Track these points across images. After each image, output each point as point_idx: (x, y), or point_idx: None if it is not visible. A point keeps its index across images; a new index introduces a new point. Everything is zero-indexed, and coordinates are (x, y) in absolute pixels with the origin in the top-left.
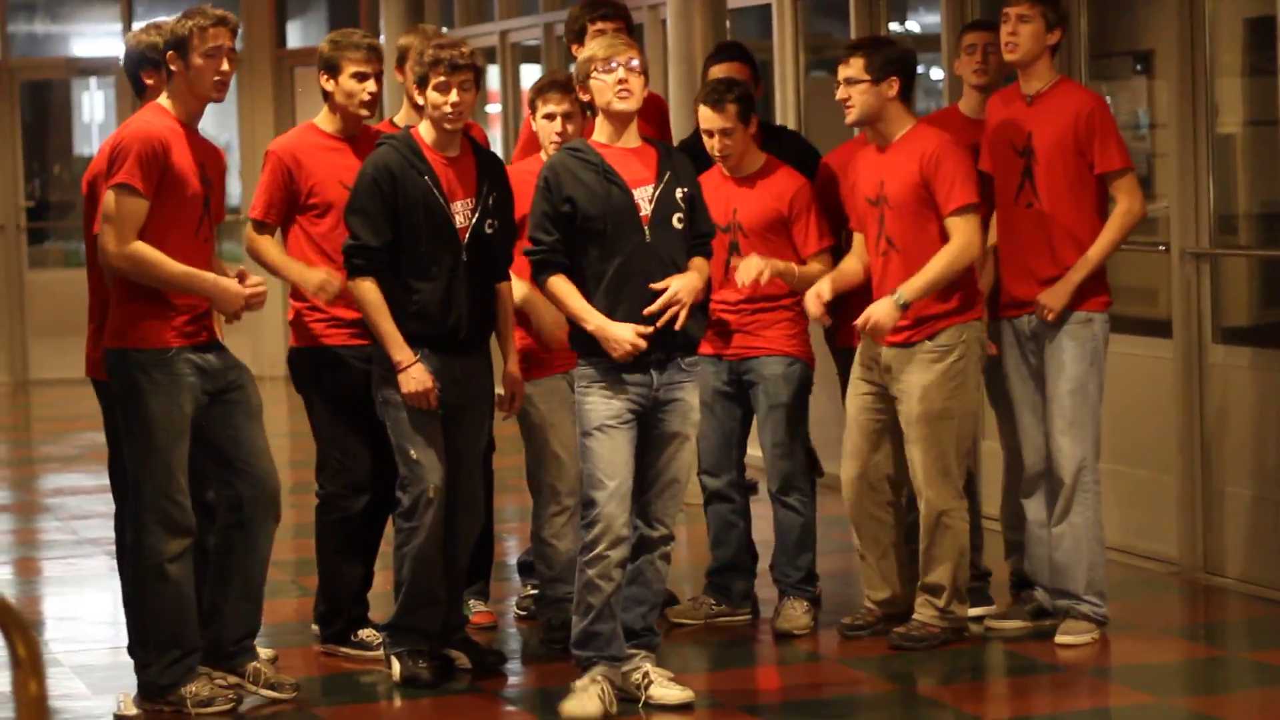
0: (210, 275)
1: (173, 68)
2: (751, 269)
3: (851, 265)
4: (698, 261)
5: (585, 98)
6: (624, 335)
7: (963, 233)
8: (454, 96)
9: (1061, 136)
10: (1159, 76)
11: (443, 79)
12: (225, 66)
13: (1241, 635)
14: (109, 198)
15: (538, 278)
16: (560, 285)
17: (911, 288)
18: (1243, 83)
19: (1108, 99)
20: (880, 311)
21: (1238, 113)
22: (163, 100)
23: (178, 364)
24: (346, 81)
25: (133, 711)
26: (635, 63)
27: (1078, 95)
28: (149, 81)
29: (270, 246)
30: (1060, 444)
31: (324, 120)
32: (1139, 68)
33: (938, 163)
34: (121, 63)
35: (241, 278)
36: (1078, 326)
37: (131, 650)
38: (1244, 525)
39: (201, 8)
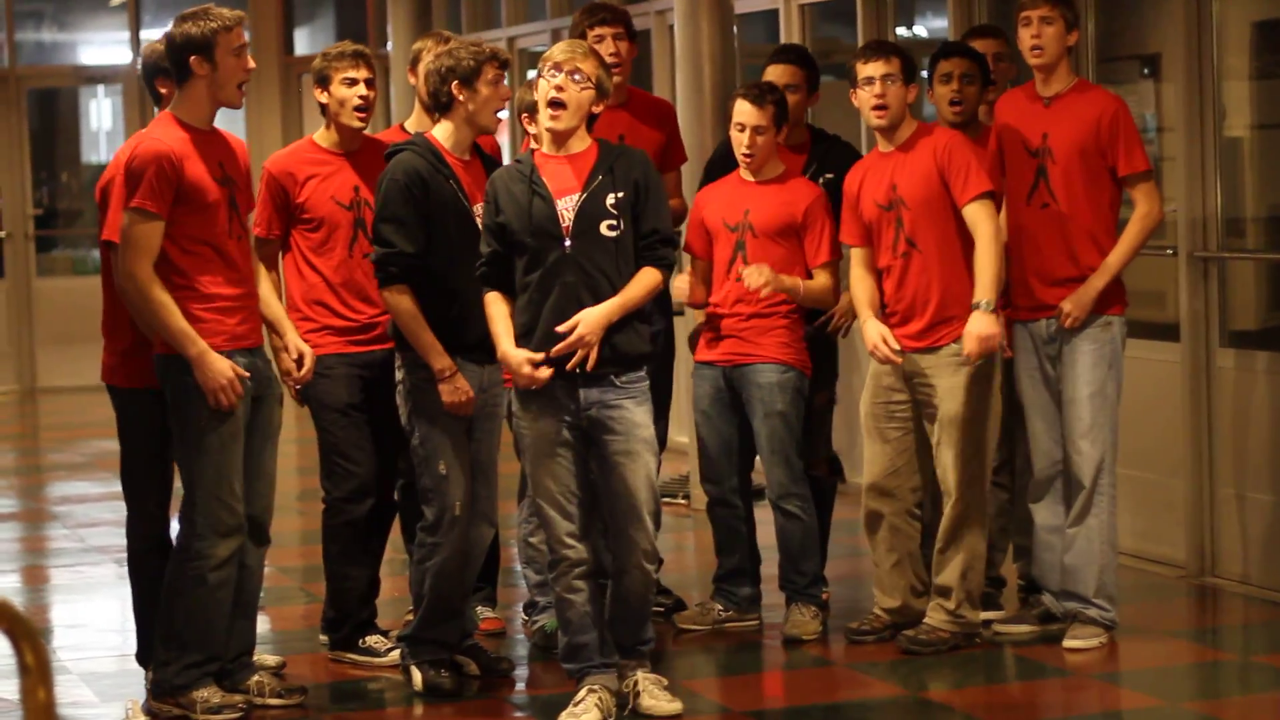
0: (199, 345)
1: (199, 71)
2: (759, 277)
3: (871, 287)
4: (645, 272)
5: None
6: (518, 360)
7: (986, 220)
8: (504, 91)
9: (1083, 138)
10: (1166, 80)
11: (499, 74)
12: (251, 64)
13: (1249, 639)
14: (125, 221)
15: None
16: (490, 305)
17: (985, 289)
18: (1250, 86)
19: None
20: (985, 327)
21: (1245, 116)
22: (172, 108)
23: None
24: (337, 89)
25: (141, 719)
26: (579, 76)
27: (1100, 96)
28: (163, 90)
29: (262, 280)
30: (1080, 446)
31: (321, 136)
32: (1146, 71)
33: (950, 154)
34: (139, 72)
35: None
36: (1097, 330)
37: (141, 655)
38: (1252, 529)
39: (207, 9)
